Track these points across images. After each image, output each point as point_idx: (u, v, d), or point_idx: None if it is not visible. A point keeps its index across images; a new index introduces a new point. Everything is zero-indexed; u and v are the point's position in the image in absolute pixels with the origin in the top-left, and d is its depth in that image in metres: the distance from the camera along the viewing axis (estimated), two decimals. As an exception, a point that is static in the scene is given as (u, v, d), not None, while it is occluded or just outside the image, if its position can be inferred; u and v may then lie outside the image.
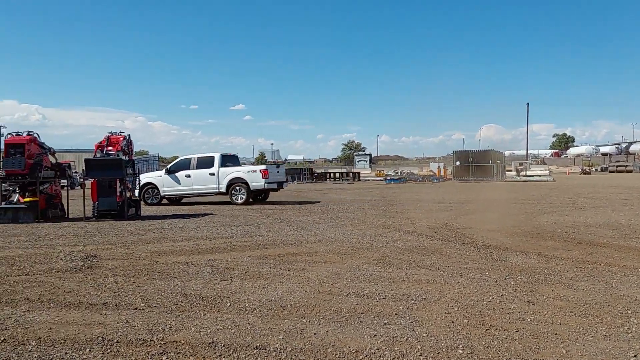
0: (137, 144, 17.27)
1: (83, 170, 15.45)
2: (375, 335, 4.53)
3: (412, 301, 5.61)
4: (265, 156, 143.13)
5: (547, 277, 6.73)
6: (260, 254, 8.64)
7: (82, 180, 17.86)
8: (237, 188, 19.96)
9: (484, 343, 4.34)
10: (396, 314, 5.14)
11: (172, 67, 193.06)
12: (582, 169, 64.54)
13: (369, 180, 51.53)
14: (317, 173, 55.80)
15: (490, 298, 5.72)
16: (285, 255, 8.54)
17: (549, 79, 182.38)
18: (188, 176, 20.21)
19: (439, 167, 53.05)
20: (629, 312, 5.18)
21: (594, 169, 68.38)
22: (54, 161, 16.07)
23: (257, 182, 19.95)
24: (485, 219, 13.61)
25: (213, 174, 20.15)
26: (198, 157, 20.66)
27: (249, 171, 20.39)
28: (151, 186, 20.39)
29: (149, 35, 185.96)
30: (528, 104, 67.51)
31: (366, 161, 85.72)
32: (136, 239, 10.75)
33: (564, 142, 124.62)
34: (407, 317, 5.03)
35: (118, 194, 15.11)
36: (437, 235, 10.70)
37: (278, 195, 24.57)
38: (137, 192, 18.19)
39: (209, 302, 5.63)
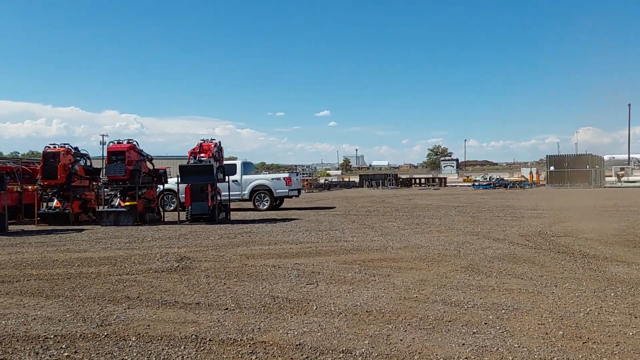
0: (226, 151, 18.08)
1: (177, 175, 16.20)
2: (463, 344, 4.43)
3: (503, 310, 5.43)
4: (349, 162, 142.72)
5: (652, 290, 6.29)
6: (345, 259, 8.69)
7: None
8: (261, 195, 20.87)
9: (580, 356, 4.13)
10: (485, 324, 5.00)
11: (259, 75, 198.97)
12: (693, 174, 59.46)
13: (455, 186, 50.37)
14: (402, 179, 55.27)
15: (588, 310, 5.43)
16: (370, 260, 8.53)
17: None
18: None
19: (531, 172, 50.80)
20: None
21: None
22: (151, 167, 17.06)
23: (281, 189, 21.03)
24: (582, 227, 12.89)
25: (236, 181, 20.77)
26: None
27: (273, 179, 21.33)
28: (172, 192, 20.57)
29: (236, 45, 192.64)
30: (630, 105, 63.04)
31: (453, 166, 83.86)
32: (226, 242, 11.14)
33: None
34: (497, 327, 4.87)
35: (210, 198, 15.74)
36: (529, 243, 10.29)
37: (362, 201, 24.56)
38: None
39: (296, 305, 5.73)
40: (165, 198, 21.39)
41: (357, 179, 58.21)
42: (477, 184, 46.71)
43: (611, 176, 45.27)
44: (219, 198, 16.40)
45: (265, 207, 20.75)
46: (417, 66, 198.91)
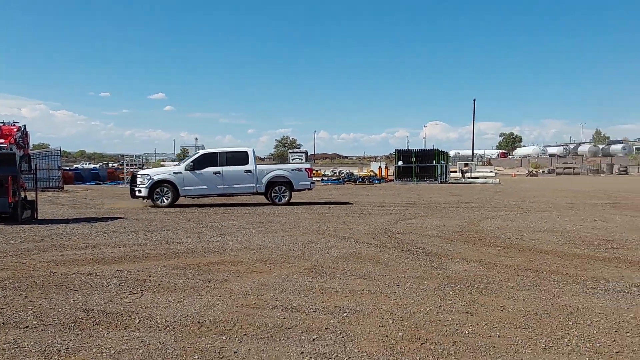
0: (36, 136, 16.51)
1: None
2: (302, 352, 4.55)
3: (345, 314, 5.68)
4: (188, 152, 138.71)
5: (487, 286, 6.98)
6: (177, 264, 8.49)
7: None
8: (279, 188, 20.85)
9: (418, 358, 4.44)
10: (326, 329, 5.18)
11: (79, 49, 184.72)
12: (528, 171, 67.53)
13: (303, 180, 51.55)
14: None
15: (428, 309, 5.87)
16: (206, 264, 8.44)
17: (497, 74, 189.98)
18: (218, 173, 20.19)
19: (380, 167, 53.77)
20: (570, 322, 5.46)
21: (540, 170, 71.55)
22: None
23: (303, 181, 21.22)
24: (426, 224, 13.95)
25: (249, 172, 20.52)
26: (226, 152, 20.90)
27: (293, 169, 21.39)
28: (166, 184, 19.83)
29: (49, 11, 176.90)
30: (475, 100, 69.20)
31: (302, 159, 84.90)
32: (31, 246, 10.30)
33: (510, 142, 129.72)
34: (338, 332, 5.08)
35: (10, 194, 14.42)
36: (374, 241, 10.88)
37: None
38: (144, 190, 19.23)
39: (114, 319, 5.50)
40: None
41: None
42: (326, 178, 48.37)
43: (456, 172, 49.51)
44: (23, 194, 15.10)
45: (284, 201, 20.80)
46: (268, 53, 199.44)
